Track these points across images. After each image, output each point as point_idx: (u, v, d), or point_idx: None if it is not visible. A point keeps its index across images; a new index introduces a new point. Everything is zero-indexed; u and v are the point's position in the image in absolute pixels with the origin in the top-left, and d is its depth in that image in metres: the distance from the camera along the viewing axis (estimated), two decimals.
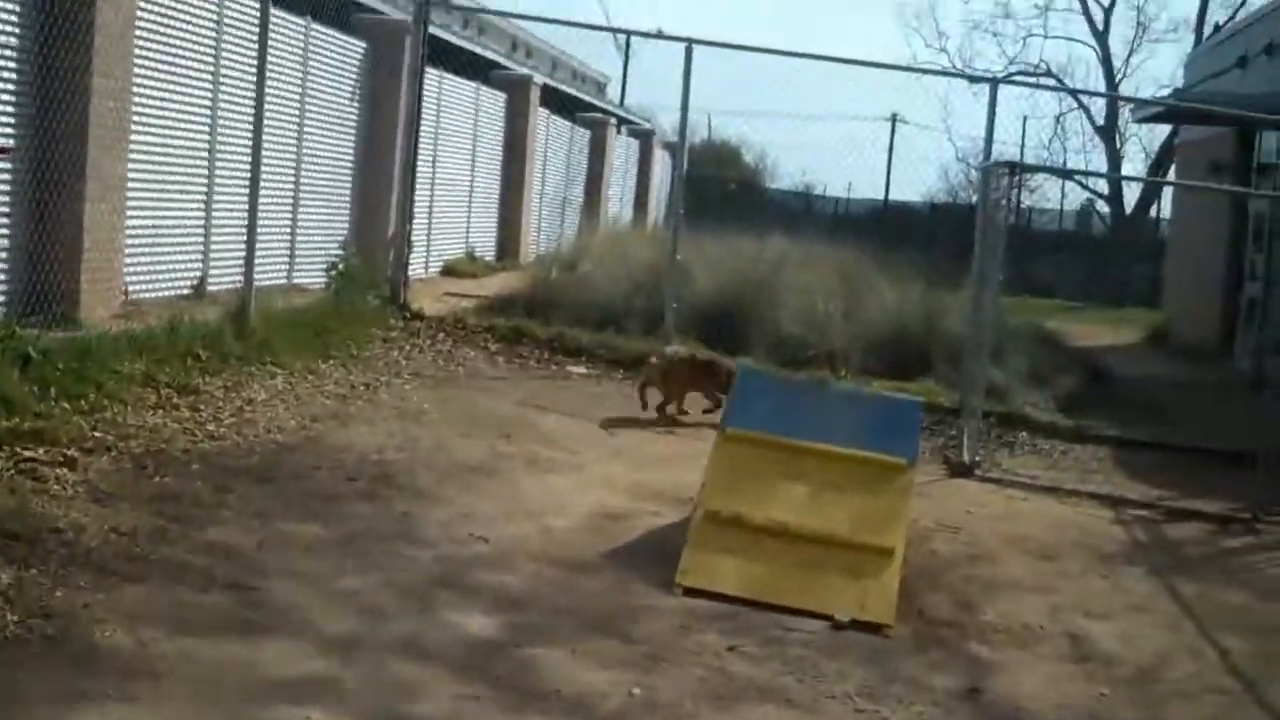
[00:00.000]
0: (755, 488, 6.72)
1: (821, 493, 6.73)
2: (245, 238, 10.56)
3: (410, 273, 14.31)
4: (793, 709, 5.08)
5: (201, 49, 11.61)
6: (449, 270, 18.48)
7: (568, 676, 5.07)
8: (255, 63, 10.57)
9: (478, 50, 19.72)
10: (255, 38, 10.67)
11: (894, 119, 34.83)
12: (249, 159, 10.47)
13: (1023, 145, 34.17)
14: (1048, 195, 38.57)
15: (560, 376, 11.74)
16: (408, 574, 5.95)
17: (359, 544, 6.26)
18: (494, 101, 20.63)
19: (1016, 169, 12.21)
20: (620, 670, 5.19)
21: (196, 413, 8.01)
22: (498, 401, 10.06)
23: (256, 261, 10.56)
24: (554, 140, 24.05)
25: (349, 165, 15.41)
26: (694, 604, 6.05)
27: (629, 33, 31.82)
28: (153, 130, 10.82)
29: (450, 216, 18.94)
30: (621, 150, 29.54)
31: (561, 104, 24.72)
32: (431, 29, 14.20)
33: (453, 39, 17.77)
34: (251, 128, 10.48)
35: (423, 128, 14.43)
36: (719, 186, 32.15)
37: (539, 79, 22.39)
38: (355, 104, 15.30)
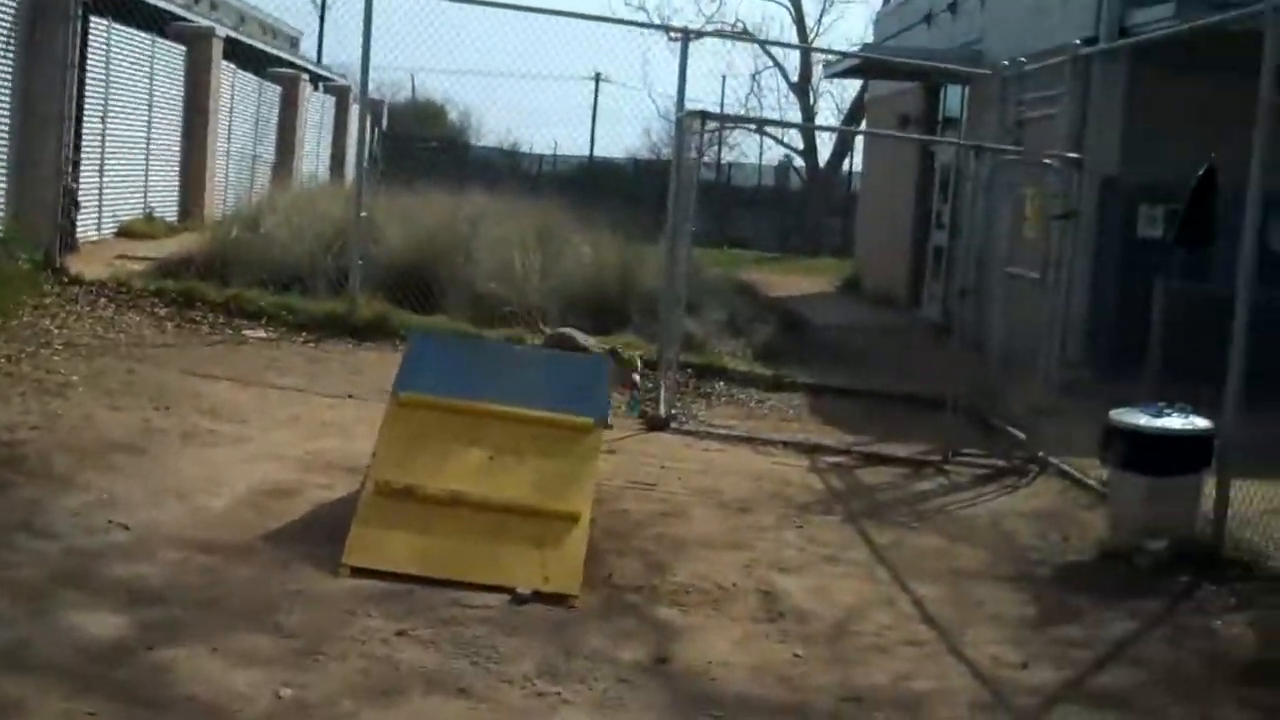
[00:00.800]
0: (430, 456, 6.19)
1: (502, 458, 6.26)
2: None
3: (80, 235, 13.20)
4: (464, 698, 4.60)
5: None
6: (125, 232, 17.13)
7: (205, 679, 4.44)
8: None
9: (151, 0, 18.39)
10: None
11: (597, 78, 34.91)
12: None
13: (722, 102, 34.67)
14: (746, 152, 39.27)
15: (236, 341, 10.91)
16: (26, 572, 5.17)
17: None
18: (172, 54, 19.27)
19: (707, 118, 12.14)
20: (269, 668, 4.60)
21: None
22: (160, 371, 9.19)
23: None
24: (241, 96, 22.79)
25: (4, 121, 14.06)
26: (361, 585, 5.49)
27: None
28: None
29: (125, 175, 17.58)
30: (316, 107, 28.37)
31: (251, 59, 23.48)
32: None
33: None
34: None
35: (91, 80, 13.31)
36: (420, 143, 31.37)
37: (222, 31, 21.14)
38: (9, 55, 13.96)
